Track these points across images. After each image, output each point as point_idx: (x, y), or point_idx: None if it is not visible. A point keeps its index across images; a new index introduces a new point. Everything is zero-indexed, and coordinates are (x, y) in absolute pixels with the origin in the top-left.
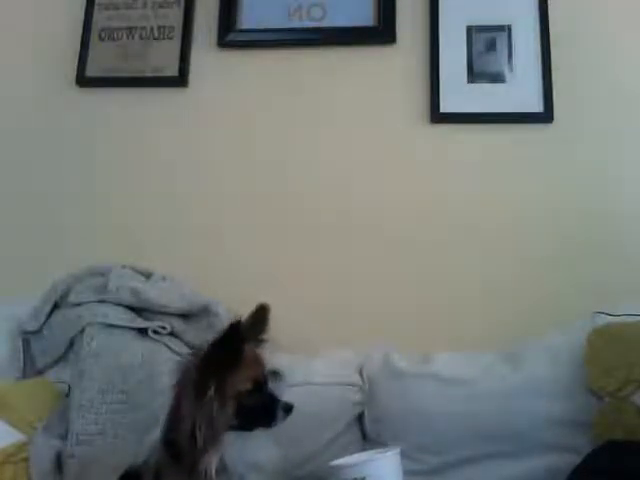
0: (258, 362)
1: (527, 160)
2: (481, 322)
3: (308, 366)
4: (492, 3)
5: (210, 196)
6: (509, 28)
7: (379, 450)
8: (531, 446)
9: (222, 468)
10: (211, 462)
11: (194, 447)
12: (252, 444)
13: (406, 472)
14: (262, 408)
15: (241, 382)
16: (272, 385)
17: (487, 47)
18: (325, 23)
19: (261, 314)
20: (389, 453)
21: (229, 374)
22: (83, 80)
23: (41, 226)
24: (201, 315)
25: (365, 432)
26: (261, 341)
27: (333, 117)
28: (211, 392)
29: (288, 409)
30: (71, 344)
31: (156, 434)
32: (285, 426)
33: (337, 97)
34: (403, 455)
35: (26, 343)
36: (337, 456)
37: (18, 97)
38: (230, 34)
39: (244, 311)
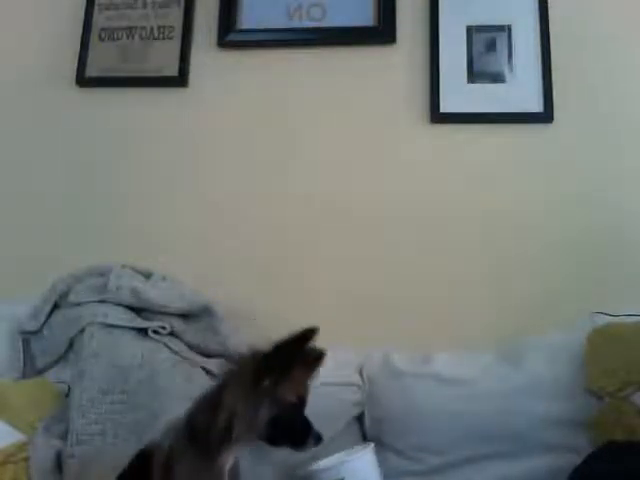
0: (304, 382)
1: (527, 160)
2: (481, 322)
3: None
4: (492, 3)
5: (210, 196)
6: (509, 28)
7: (356, 448)
8: (531, 446)
9: (235, 472)
10: (229, 459)
11: (224, 437)
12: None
13: (406, 472)
14: (296, 428)
15: (289, 392)
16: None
17: (487, 47)
18: (325, 23)
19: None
20: (362, 451)
21: (284, 378)
22: (83, 80)
23: (41, 226)
24: (201, 315)
25: (365, 432)
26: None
27: (333, 117)
28: (266, 385)
29: (318, 439)
30: (71, 344)
31: (174, 415)
32: None
33: (337, 97)
34: (403, 455)
35: (26, 343)
36: None
37: (18, 97)
38: (230, 34)
39: (244, 311)
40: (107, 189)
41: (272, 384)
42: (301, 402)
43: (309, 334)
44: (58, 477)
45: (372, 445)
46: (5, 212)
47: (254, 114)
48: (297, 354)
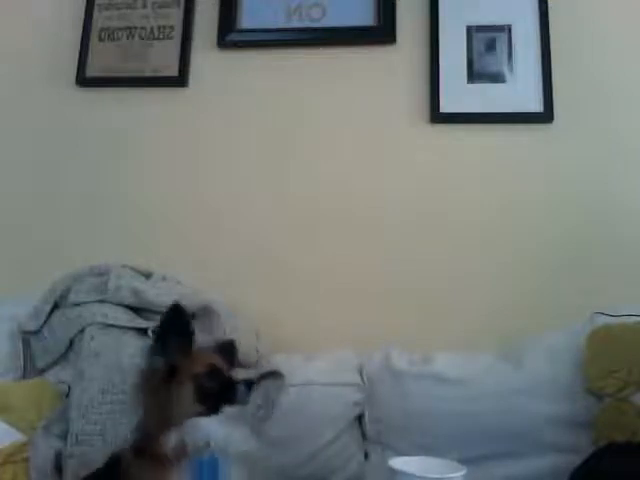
0: (214, 356)
1: (527, 160)
2: (481, 322)
3: (308, 366)
4: (492, 3)
5: (210, 196)
6: (509, 28)
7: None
8: (531, 446)
9: (184, 451)
10: (169, 443)
11: (150, 431)
12: (228, 433)
13: None
14: (222, 388)
15: (195, 365)
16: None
17: (487, 47)
18: (325, 23)
19: (226, 348)
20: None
21: (181, 353)
22: (83, 80)
23: (41, 226)
24: (201, 315)
25: (365, 432)
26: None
27: (333, 117)
28: (160, 367)
29: (249, 385)
30: (71, 344)
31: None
32: (285, 426)
33: (337, 97)
34: (403, 455)
35: (26, 343)
36: (337, 456)
37: (18, 97)
38: (230, 34)
39: (244, 311)
40: (107, 189)
41: (170, 369)
42: (215, 368)
43: (176, 308)
44: (58, 477)
45: (464, 472)
46: (5, 212)
47: (254, 114)
48: (180, 330)
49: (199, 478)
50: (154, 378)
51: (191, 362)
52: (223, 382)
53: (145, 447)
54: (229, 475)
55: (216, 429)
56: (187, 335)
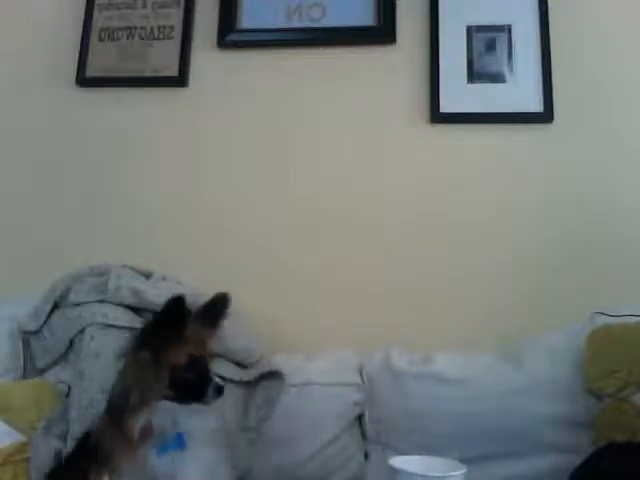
0: (200, 342)
1: (527, 160)
2: (481, 322)
3: (308, 366)
4: (492, 3)
5: (210, 196)
6: (509, 28)
7: (449, 463)
8: (531, 446)
9: (150, 431)
10: (137, 422)
11: (126, 405)
12: (192, 414)
13: None
14: (195, 384)
15: (177, 355)
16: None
17: (487, 47)
18: (325, 23)
19: (219, 302)
20: (455, 474)
21: (166, 344)
22: (83, 80)
23: (41, 226)
24: None
25: (365, 432)
26: (214, 327)
27: (333, 117)
28: (146, 356)
29: (219, 390)
30: (71, 344)
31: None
32: (285, 426)
33: (337, 97)
34: (403, 455)
35: (26, 343)
36: (337, 456)
37: (18, 97)
38: (230, 34)
39: (244, 311)
40: (107, 189)
41: (154, 354)
42: (195, 361)
43: (177, 301)
44: None
45: (465, 470)
46: (5, 212)
47: (254, 114)
48: (174, 321)
49: (163, 456)
50: (137, 363)
51: (175, 352)
52: (200, 374)
53: (115, 422)
54: (196, 454)
55: (182, 410)
56: (180, 326)
